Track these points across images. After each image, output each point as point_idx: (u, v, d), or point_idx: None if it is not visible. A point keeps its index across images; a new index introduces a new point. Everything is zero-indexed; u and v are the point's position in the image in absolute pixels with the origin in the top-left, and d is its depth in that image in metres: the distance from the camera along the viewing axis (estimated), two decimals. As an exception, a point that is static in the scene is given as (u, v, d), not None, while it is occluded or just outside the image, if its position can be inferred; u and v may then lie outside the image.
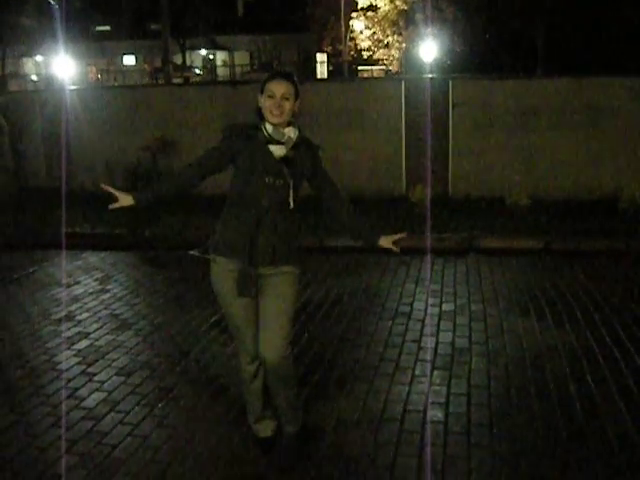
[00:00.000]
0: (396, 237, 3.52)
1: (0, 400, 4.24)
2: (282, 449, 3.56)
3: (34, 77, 44.96)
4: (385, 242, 3.49)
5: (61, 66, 29.10)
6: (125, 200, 3.36)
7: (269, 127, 3.25)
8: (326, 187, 3.44)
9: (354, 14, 40.23)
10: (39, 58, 46.51)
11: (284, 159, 3.26)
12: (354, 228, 3.53)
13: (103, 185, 3.42)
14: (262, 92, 3.26)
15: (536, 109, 8.92)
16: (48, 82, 36.53)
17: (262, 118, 3.28)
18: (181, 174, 3.47)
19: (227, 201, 3.38)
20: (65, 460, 3.55)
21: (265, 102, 3.23)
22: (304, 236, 3.54)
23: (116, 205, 3.37)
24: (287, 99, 3.22)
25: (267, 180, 3.23)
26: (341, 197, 3.48)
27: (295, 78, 3.31)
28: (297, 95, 3.28)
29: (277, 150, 3.26)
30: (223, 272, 3.34)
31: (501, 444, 3.60)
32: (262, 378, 3.50)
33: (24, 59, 47.62)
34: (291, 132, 3.28)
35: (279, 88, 3.21)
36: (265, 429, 3.63)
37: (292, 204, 3.27)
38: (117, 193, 3.36)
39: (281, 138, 3.25)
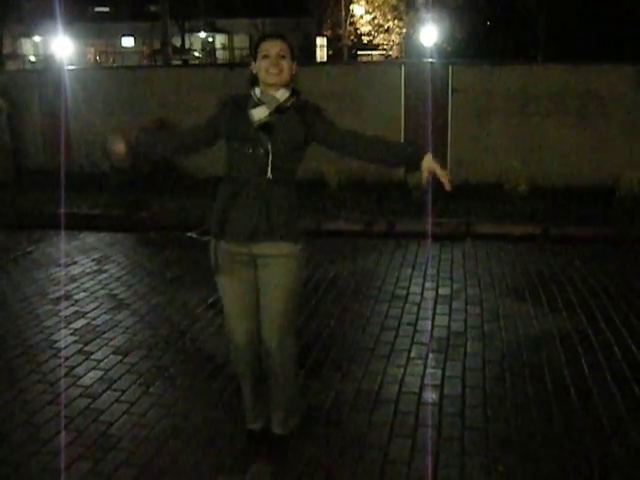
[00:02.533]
0: (441, 172, 3.01)
1: (-3, 377, 4.27)
2: (269, 448, 3.40)
3: (32, 57, 44.77)
4: (427, 164, 3.03)
5: (59, 47, 28.96)
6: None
7: (258, 91, 3.08)
8: (340, 135, 3.11)
9: (354, -2, 40.07)
10: (37, 38, 46.28)
11: (264, 125, 3.03)
12: (389, 151, 3.14)
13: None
14: (255, 56, 3.08)
15: (536, 95, 8.91)
16: (46, 63, 36.38)
17: (255, 85, 3.11)
18: (184, 133, 3.35)
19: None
20: (62, 437, 3.57)
21: (260, 63, 3.04)
22: (299, 212, 3.22)
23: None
24: (284, 57, 3.03)
25: (247, 150, 3.03)
26: (359, 134, 3.13)
27: (289, 38, 3.13)
28: (293, 57, 3.09)
29: (257, 113, 3.04)
30: (214, 250, 3.24)
31: (495, 426, 3.63)
32: (250, 365, 3.31)
33: (22, 39, 47.40)
34: (278, 93, 3.05)
35: (274, 46, 3.03)
36: (254, 421, 3.48)
37: (269, 174, 3.01)
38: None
39: (267, 100, 3.04)
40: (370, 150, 3.14)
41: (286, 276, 3.13)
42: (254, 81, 3.12)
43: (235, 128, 3.08)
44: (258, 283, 3.20)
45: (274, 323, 3.16)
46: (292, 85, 3.12)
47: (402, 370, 4.27)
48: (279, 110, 3.06)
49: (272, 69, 3.02)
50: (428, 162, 3.03)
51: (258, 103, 3.06)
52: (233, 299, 3.23)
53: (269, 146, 3.01)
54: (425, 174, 3.04)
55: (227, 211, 3.11)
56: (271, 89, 3.06)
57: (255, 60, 3.09)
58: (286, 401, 3.36)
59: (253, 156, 3.03)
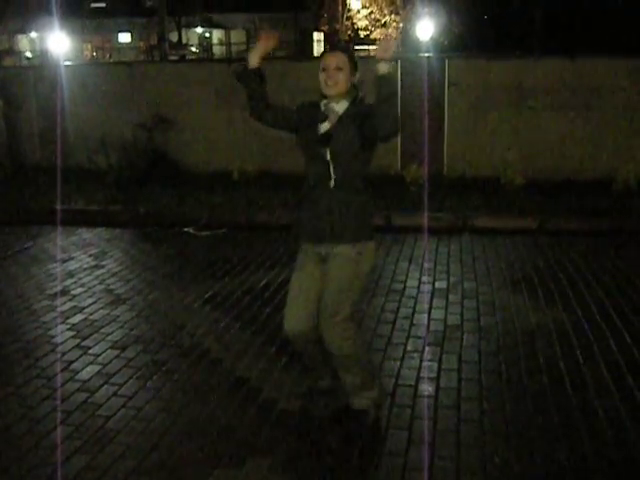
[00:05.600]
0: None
1: (-5, 372, 4.28)
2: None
3: (28, 54, 44.62)
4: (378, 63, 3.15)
5: (56, 43, 28.86)
6: (257, 56, 3.37)
7: (322, 104, 3.33)
8: (371, 122, 3.20)
9: (351, -8, 39.97)
10: (34, 35, 46.12)
11: (325, 136, 3.29)
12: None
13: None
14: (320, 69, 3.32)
15: (532, 89, 8.91)
16: (43, 59, 36.26)
17: (322, 95, 3.35)
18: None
19: None
20: (60, 431, 3.59)
21: (320, 76, 3.30)
22: (366, 216, 3.43)
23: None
24: (341, 69, 3.25)
25: (313, 158, 3.32)
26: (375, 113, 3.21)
27: (350, 50, 3.40)
28: (355, 67, 3.31)
29: (323, 127, 3.32)
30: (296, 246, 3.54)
31: (491, 418, 3.65)
32: (304, 345, 3.55)
33: (18, 36, 47.23)
34: (338, 106, 3.30)
35: (331, 60, 3.26)
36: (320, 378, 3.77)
37: (332, 183, 3.28)
38: (259, 49, 3.37)
39: (330, 114, 3.30)
40: (380, 120, 3.15)
41: (340, 273, 3.36)
42: (322, 92, 3.35)
43: (305, 137, 3.37)
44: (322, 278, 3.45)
45: (325, 311, 3.36)
46: (354, 94, 3.34)
47: (398, 363, 4.29)
48: (338, 120, 3.31)
49: (329, 81, 3.26)
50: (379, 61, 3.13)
51: (323, 117, 3.32)
52: (298, 289, 3.47)
53: (328, 156, 3.27)
54: (382, 59, 3.13)
55: (301, 214, 3.42)
56: (332, 99, 3.31)
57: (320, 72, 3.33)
58: (351, 379, 3.51)
59: (318, 164, 3.32)
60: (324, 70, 3.28)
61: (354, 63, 3.31)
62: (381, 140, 3.30)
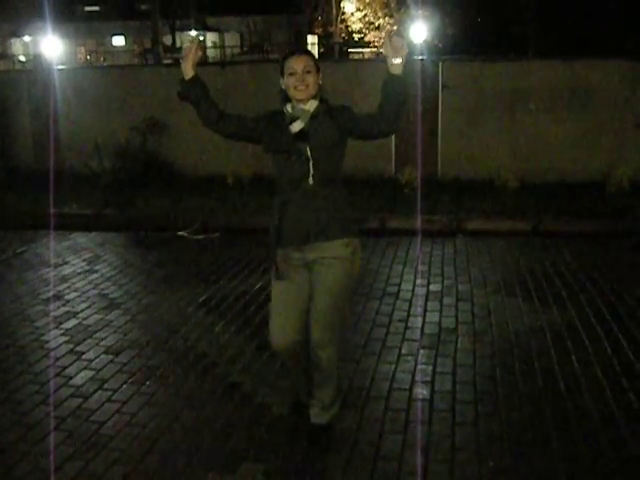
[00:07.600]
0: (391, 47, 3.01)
1: (-12, 378, 4.26)
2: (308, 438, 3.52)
3: (22, 57, 44.54)
4: (390, 63, 3.04)
5: (49, 46, 28.83)
6: (190, 67, 3.30)
7: (289, 107, 3.27)
8: (362, 123, 3.23)
9: (345, -4, 40.06)
10: (27, 38, 46.06)
11: (300, 133, 3.23)
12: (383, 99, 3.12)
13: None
14: (282, 73, 3.25)
15: (526, 91, 8.93)
16: (36, 62, 36.23)
17: (286, 100, 3.29)
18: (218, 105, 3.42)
19: None
20: (53, 437, 3.57)
21: (288, 80, 3.22)
22: (350, 212, 3.40)
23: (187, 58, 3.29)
24: (309, 72, 3.21)
25: (290, 160, 3.23)
26: (371, 114, 3.19)
27: (312, 52, 3.36)
28: (318, 69, 3.26)
29: (295, 126, 3.24)
30: (273, 257, 3.36)
31: (485, 422, 3.64)
32: (292, 360, 3.50)
33: (12, 39, 47.18)
34: (308, 105, 3.24)
35: (299, 63, 3.20)
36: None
37: (314, 179, 3.21)
38: (190, 59, 3.28)
39: (300, 113, 3.24)
40: (383, 117, 3.14)
41: (334, 278, 3.28)
42: (285, 97, 3.29)
43: (276, 141, 3.28)
44: (310, 286, 3.34)
45: (319, 322, 3.30)
46: (320, 94, 3.29)
47: (393, 367, 4.28)
48: (311, 118, 3.25)
49: (300, 86, 3.21)
50: (390, 64, 3.04)
51: (293, 118, 3.25)
52: (283, 301, 3.36)
53: (308, 152, 3.21)
54: (396, 59, 3.02)
55: (281, 219, 3.29)
56: (301, 102, 3.25)
57: (283, 76, 3.26)
58: (328, 395, 3.48)
59: (296, 164, 3.23)
60: (292, 75, 3.20)
61: (317, 65, 3.27)
62: (373, 138, 3.31)
